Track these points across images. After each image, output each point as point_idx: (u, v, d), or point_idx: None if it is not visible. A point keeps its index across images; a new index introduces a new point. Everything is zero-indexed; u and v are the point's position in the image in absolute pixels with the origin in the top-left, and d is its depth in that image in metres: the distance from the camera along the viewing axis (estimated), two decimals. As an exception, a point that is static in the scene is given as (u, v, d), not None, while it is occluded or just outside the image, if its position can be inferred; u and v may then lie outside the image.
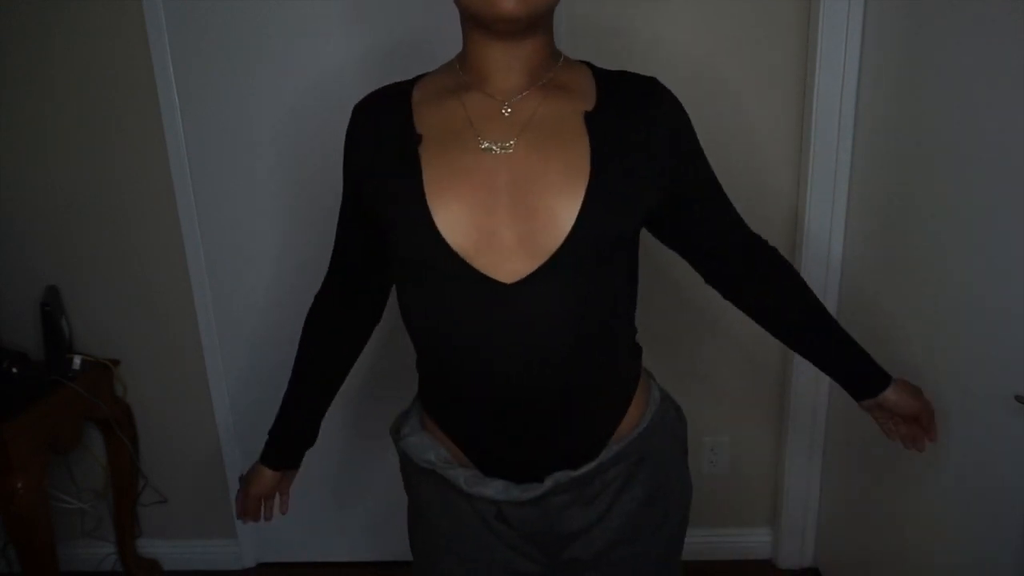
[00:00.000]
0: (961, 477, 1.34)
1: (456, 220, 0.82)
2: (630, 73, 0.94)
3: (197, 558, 2.07)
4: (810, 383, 1.82)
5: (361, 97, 0.97)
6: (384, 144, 0.89)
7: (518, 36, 0.84)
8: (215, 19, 1.65)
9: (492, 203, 0.83)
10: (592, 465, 0.93)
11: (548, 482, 0.92)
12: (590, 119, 0.87)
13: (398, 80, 0.98)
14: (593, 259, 0.85)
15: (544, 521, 0.95)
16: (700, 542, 1.99)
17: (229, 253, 1.82)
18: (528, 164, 0.84)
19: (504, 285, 0.82)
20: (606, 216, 0.83)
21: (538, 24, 0.84)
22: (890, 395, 1.05)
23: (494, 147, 0.85)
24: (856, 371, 1.06)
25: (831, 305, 1.75)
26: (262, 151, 1.74)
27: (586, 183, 0.83)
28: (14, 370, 1.72)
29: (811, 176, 1.67)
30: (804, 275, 1.72)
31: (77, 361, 1.80)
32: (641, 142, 0.88)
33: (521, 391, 0.86)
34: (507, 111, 0.87)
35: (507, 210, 0.83)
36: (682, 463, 1.08)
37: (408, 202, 0.84)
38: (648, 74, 0.95)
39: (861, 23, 1.56)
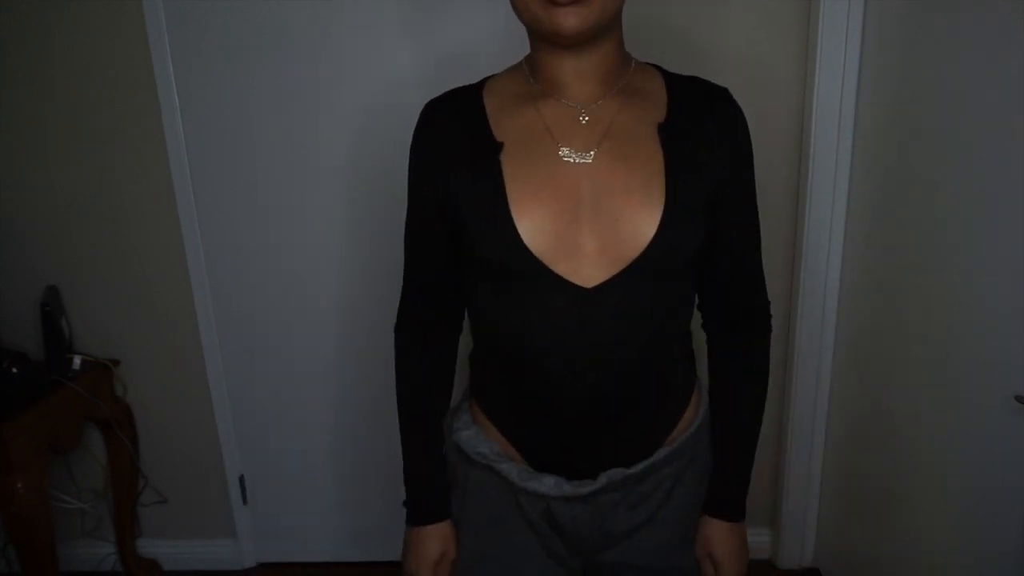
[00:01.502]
0: (961, 477, 1.34)
1: (538, 229, 0.83)
2: (702, 80, 0.94)
3: (197, 558, 2.07)
4: (810, 384, 1.82)
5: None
6: (461, 148, 0.89)
7: (586, 47, 0.84)
8: (215, 19, 1.65)
9: (574, 213, 0.84)
10: (646, 463, 0.94)
11: (602, 478, 0.92)
12: (663, 131, 0.87)
13: (461, 83, 0.97)
14: (668, 269, 0.87)
15: (593, 521, 0.95)
16: (700, 542, 1.99)
17: (229, 253, 1.82)
18: (608, 175, 0.85)
19: (584, 289, 0.84)
20: (683, 229, 0.85)
21: (604, 33, 0.84)
22: (705, 525, 1.01)
23: (574, 157, 0.86)
24: (718, 485, 1.01)
25: (831, 305, 1.75)
26: (262, 151, 1.74)
27: (663, 196, 0.84)
28: (14, 370, 1.72)
29: (811, 176, 1.67)
30: (804, 275, 1.74)
31: (77, 361, 1.80)
32: (706, 155, 0.88)
33: (588, 393, 0.87)
34: (584, 119, 0.87)
35: (588, 220, 0.84)
36: None
37: (491, 209, 0.85)
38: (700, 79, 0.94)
39: (861, 23, 1.56)
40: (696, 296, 1.00)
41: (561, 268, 0.84)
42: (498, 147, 0.87)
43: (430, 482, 1.02)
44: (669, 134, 0.87)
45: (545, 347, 0.86)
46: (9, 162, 1.77)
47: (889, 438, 1.56)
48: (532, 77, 0.90)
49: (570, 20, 0.79)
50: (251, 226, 1.80)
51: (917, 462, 1.47)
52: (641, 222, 0.83)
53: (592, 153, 0.85)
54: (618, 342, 0.86)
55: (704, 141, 0.89)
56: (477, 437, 0.98)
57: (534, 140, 0.87)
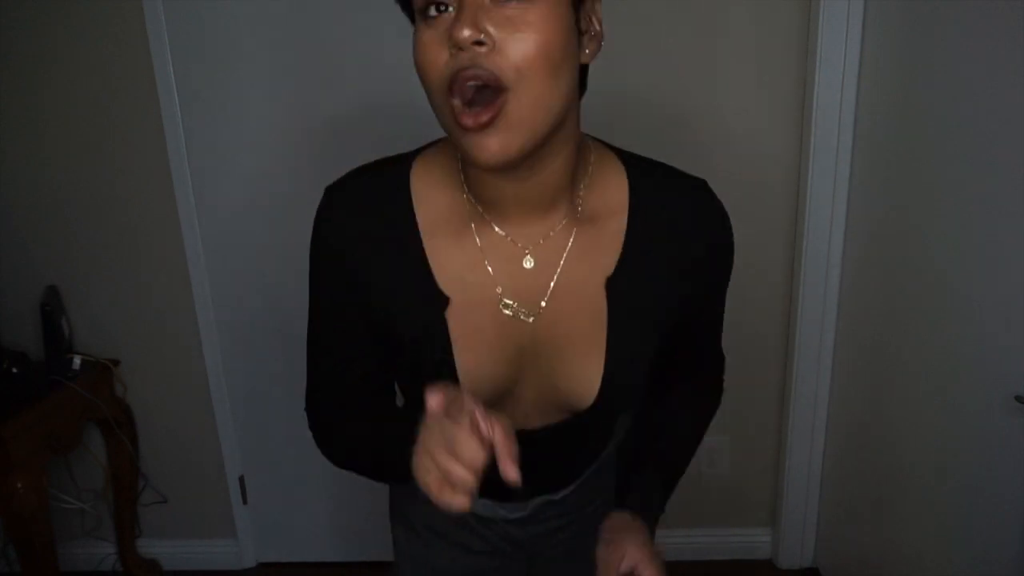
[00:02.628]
0: (961, 476, 1.34)
1: (476, 376, 0.78)
2: (674, 178, 0.80)
3: (197, 558, 2.07)
4: (810, 383, 1.82)
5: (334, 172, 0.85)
6: (399, 284, 0.77)
7: (527, 168, 0.70)
8: (215, 19, 1.65)
9: (515, 364, 0.79)
10: (573, 486, 0.97)
11: (531, 508, 0.95)
12: (612, 285, 0.77)
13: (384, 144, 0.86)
14: (607, 418, 0.86)
15: (524, 529, 0.99)
16: (700, 542, 1.99)
17: (229, 253, 1.82)
18: (550, 332, 0.78)
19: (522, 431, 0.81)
20: (624, 387, 0.80)
21: (549, 147, 0.70)
22: (618, 514, 0.85)
23: (520, 314, 0.77)
24: (633, 483, 0.90)
25: (831, 305, 1.75)
26: (262, 151, 1.74)
27: (604, 354, 0.78)
28: (14, 370, 1.72)
29: (811, 176, 1.67)
30: (804, 275, 1.74)
31: (77, 361, 1.79)
32: (666, 275, 0.79)
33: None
34: (529, 263, 0.77)
35: (528, 373, 0.80)
36: None
37: (433, 358, 0.78)
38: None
39: (861, 23, 1.56)
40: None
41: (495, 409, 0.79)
42: (444, 301, 0.77)
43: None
44: (618, 285, 0.77)
45: None
46: (9, 162, 1.77)
47: (889, 438, 1.56)
48: (466, 183, 0.77)
49: (490, 146, 0.65)
50: (251, 226, 1.80)
51: (917, 462, 1.47)
52: (578, 385, 0.78)
53: (538, 312, 0.77)
54: (551, 459, 0.88)
55: (668, 255, 0.78)
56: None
57: (477, 288, 0.77)
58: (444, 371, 0.77)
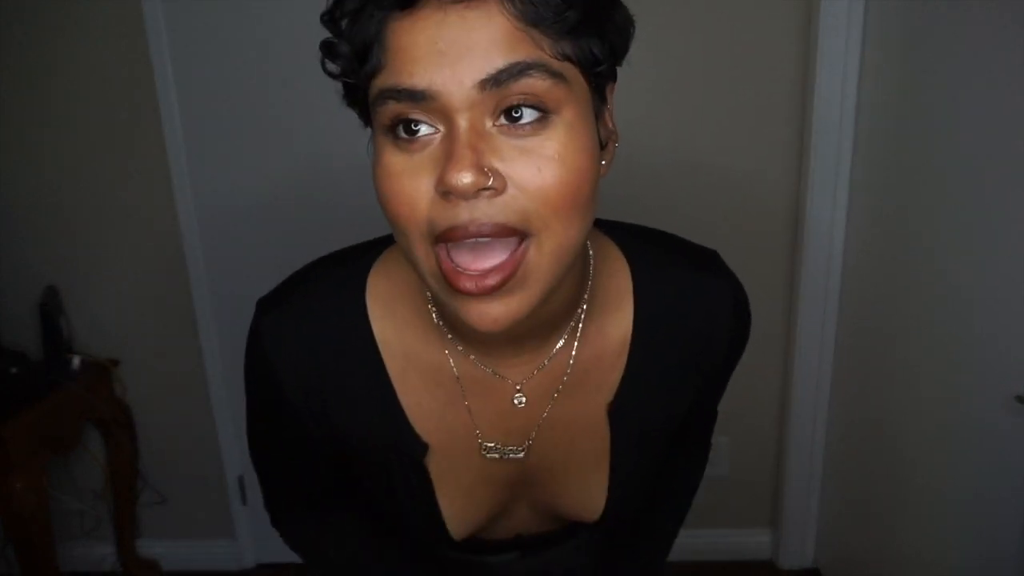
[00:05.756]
0: (961, 477, 1.34)
1: (466, 521, 0.71)
2: (679, 264, 0.69)
3: (197, 558, 2.07)
4: (811, 383, 1.82)
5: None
6: (368, 431, 0.67)
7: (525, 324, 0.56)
8: (215, 19, 1.65)
9: (508, 499, 0.73)
10: None
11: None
12: (614, 409, 0.68)
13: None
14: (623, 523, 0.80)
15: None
16: (700, 542, 1.99)
17: (229, 253, 1.82)
18: (546, 462, 0.70)
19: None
20: (627, 512, 0.75)
21: (556, 288, 0.56)
22: None
23: (508, 454, 0.68)
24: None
25: (832, 304, 1.75)
26: (262, 151, 1.74)
27: (607, 482, 0.71)
28: (13, 370, 1.72)
29: (812, 176, 1.67)
30: (805, 275, 1.74)
31: (76, 361, 1.79)
32: (674, 384, 0.70)
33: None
34: (521, 401, 0.65)
35: (524, 501, 0.74)
36: None
37: (416, 506, 0.71)
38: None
39: (862, 22, 1.56)
40: None
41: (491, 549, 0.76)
42: (424, 449, 0.67)
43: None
44: (622, 409, 0.68)
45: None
46: (9, 162, 1.77)
47: (889, 438, 1.56)
48: (435, 309, 0.64)
49: (492, 313, 0.50)
50: (251, 226, 1.80)
51: (917, 462, 1.47)
52: (580, 504, 0.73)
53: (525, 448, 0.68)
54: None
55: (675, 382, 0.70)
56: None
57: (459, 426, 0.67)
58: (426, 516, 0.71)
